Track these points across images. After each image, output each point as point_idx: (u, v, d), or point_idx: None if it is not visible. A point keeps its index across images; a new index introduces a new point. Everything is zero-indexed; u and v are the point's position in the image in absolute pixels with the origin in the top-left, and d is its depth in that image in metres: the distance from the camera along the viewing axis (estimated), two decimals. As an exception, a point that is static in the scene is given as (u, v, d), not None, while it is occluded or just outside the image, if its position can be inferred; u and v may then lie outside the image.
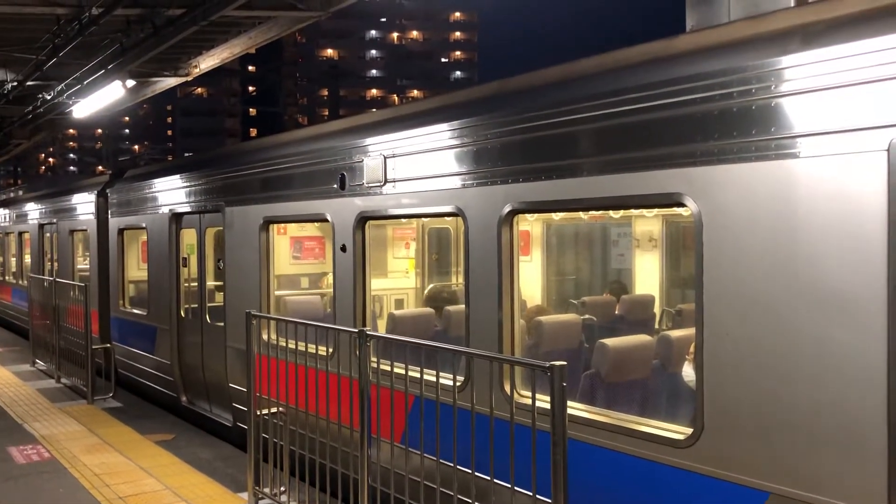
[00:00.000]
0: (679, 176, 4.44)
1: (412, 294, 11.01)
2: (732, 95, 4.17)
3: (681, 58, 4.63)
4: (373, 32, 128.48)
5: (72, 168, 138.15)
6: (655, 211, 7.64)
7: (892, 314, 3.55)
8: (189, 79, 14.10)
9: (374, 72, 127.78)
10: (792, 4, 4.67)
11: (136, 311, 12.70)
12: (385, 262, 11.12)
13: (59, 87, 13.45)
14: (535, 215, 8.24)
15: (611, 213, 7.58)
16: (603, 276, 9.70)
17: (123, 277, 13.28)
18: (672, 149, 4.47)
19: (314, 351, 6.30)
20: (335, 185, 7.44)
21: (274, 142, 9.44)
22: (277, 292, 9.35)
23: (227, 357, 9.50)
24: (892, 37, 3.57)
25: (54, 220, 17.08)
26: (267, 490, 6.72)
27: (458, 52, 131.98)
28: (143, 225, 12.07)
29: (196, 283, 10.64)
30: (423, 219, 10.04)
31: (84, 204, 14.95)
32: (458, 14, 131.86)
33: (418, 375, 5.20)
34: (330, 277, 7.97)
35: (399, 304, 10.98)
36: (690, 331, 5.02)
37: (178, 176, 11.02)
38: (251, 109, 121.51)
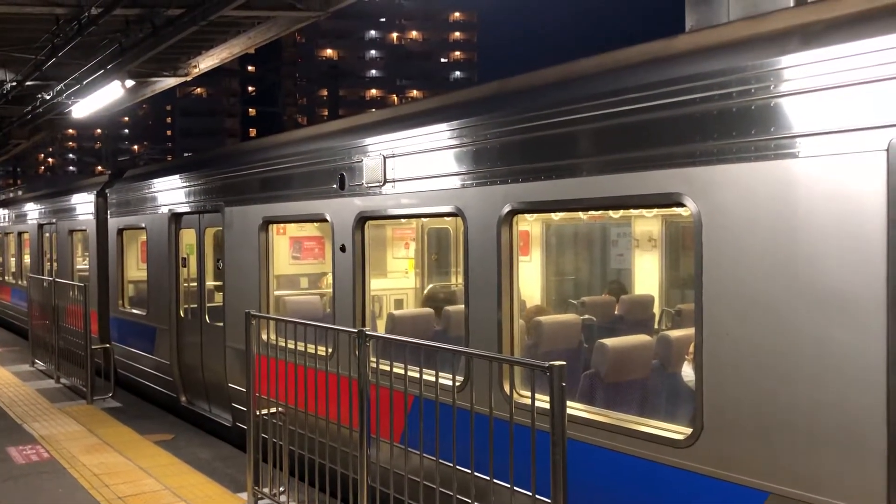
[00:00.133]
0: (678, 176, 4.44)
1: (412, 294, 11.01)
2: (732, 95, 4.17)
3: (680, 58, 4.63)
4: (372, 32, 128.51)
5: (71, 168, 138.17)
6: (655, 211, 7.64)
7: (892, 314, 3.55)
8: (188, 79, 14.09)
9: (373, 72, 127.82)
10: (791, 4, 4.67)
11: (135, 311, 12.69)
12: (384, 263, 11.12)
13: (59, 87, 13.44)
14: (535, 215, 8.24)
15: (610, 213, 7.58)
16: (602, 276, 9.70)
17: (123, 277, 13.28)
18: (671, 149, 4.47)
19: (313, 351, 6.30)
20: (334, 186, 7.44)
21: (273, 142, 9.44)
22: (277, 292, 9.35)
23: (227, 357, 9.49)
24: (892, 37, 3.57)
25: (53, 220, 17.08)
26: (266, 490, 6.72)
27: (457, 53, 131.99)
28: (143, 225, 12.07)
29: (195, 284, 10.64)
30: (423, 219, 10.04)
31: (83, 204, 14.95)
32: (457, 14, 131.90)
33: (418, 375, 5.20)
34: (329, 277, 7.97)
35: (398, 304, 10.98)
36: (690, 331, 5.02)
37: (177, 176, 11.02)
38: (250, 109, 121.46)
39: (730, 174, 4.19)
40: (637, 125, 4.69)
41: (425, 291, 10.76)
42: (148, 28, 10.01)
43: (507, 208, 5.56)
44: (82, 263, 16.02)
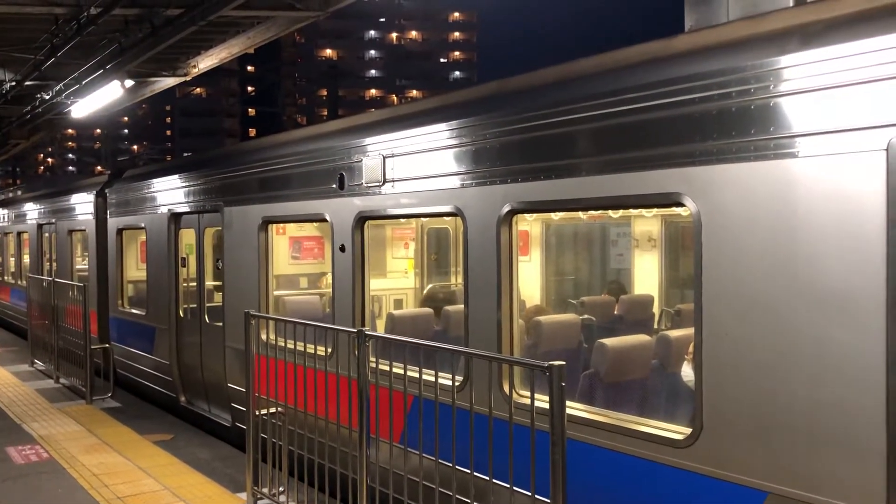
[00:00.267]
0: (678, 176, 4.44)
1: (411, 294, 11.00)
2: (731, 95, 4.17)
3: (679, 58, 4.63)
4: (372, 32, 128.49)
5: (70, 168, 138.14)
6: (654, 211, 7.64)
7: (891, 314, 3.55)
8: (188, 79, 14.08)
9: (373, 72, 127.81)
10: (790, 4, 4.67)
11: (134, 311, 12.69)
12: (384, 262, 11.12)
13: (58, 87, 13.43)
14: (534, 215, 8.24)
15: (610, 212, 7.58)
16: (602, 276, 9.70)
17: (122, 277, 13.27)
18: (671, 149, 4.47)
19: (313, 351, 6.30)
20: (334, 185, 7.43)
21: (273, 142, 9.44)
22: (276, 292, 9.35)
23: (226, 357, 9.49)
24: (891, 36, 3.57)
25: (53, 220, 17.08)
26: (265, 490, 6.72)
27: (457, 53, 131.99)
28: (142, 225, 12.07)
29: (195, 283, 10.63)
30: (422, 219, 10.04)
31: (83, 204, 14.94)
32: (457, 14, 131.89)
33: (417, 375, 5.20)
34: (329, 277, 7.96)
35: (398, 304, 10.98)
36: (689, 331, 5.02)
37: (176, 176, 11.02)
38: (250, 109, 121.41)
39: (729, 174, 4.19)
40: (636, 125, 4.68)
41: (425, 291, 10.76)
42: (147, 28, 10.00)
43: (506, 208, 5.56)
44: (82, 263, 16.02)
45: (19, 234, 20.72)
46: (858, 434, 3.66)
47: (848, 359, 3.70)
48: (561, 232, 9.65)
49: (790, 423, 3.91)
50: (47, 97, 14.18)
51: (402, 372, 5.34)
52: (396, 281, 11.15)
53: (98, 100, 13.02)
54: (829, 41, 3.83)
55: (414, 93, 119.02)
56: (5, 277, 22.23)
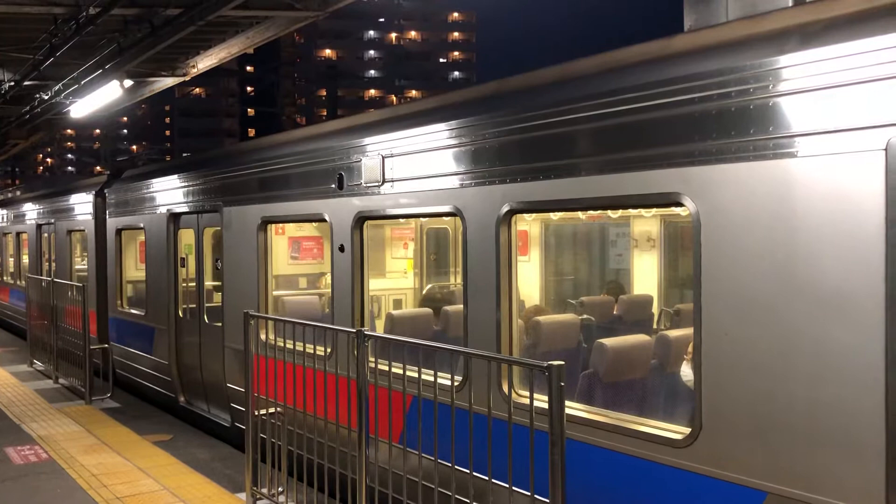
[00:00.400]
0: (677, 175, 4.44)
1: (410, 294, 11.00)
2: (730, 95, 4.17)
3: (679, 57, 4.63)
4: (371, 33, 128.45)
5: (70, 168, 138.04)
6: (654, 211, 7.64)
7: (890, 313, 3.55)
8: (187, 79, 14.07)
9: (372, 72, 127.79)
10: (789, 4, 4.67)
11: (133, 311, 12.69)
12: (383, 263, 11.12)
13: (57, 87, 13.42)
14: (534, 215, 8.24)
15: (609, 212, 7.58)
16: (601, 276, 9.70)
17: (121, 278, 13.27)
18: (670, 148, 4.47)
19: (312, 351, 6.29)
20: (333, 185, 7.43)
21: (272, 142, 9.44)
22: (275, 292, 9.35)
23: (225, 357, 9.49)
24: (890, 36, 3.58)
25: (52, 221, 17.07)
26: (265, 490, 6.72)
27: (456, 53, 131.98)
28: (141, 225, 12.06)
29: (194, 284, 10.63)
30: (422, 219, 10.04)
31: (82, 204, 14.94)
32: (456, 14, 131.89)
33: (416, 375, 5.20)
34: (328, 277, 7.96)
35: (397, 304, 10.98)
36: (689, 331, 5.02)
37: (175, 176, 11.02)
38: (249, 110, 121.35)
39: (728, 174, 4.19)
40: (636, 125, 4.68)
41: (424, 291, 10.76)
42: (146, 28, 10.00)
43: (505, 208, 5.56)
44: (81, 263, 16.02)
45: (18, 234, 20.71)
46: (858, 434, 3.66)
47: (847, 358, 3.70)
48: (560, 232, 9.65)
49: (789, 422, 3.91)
50: (46, 97, 14.17)
51: (401, 372, 5.34)
52: (396, 281, 11.16)
53: (97, 100, 13.01)
54: (828, 41, 3.83)
55: (413, 93, 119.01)
56: (4, 278, 22.22)
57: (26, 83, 13.45)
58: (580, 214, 7.76)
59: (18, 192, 23.64)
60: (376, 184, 6.86)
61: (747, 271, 4.10)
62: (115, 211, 13.27)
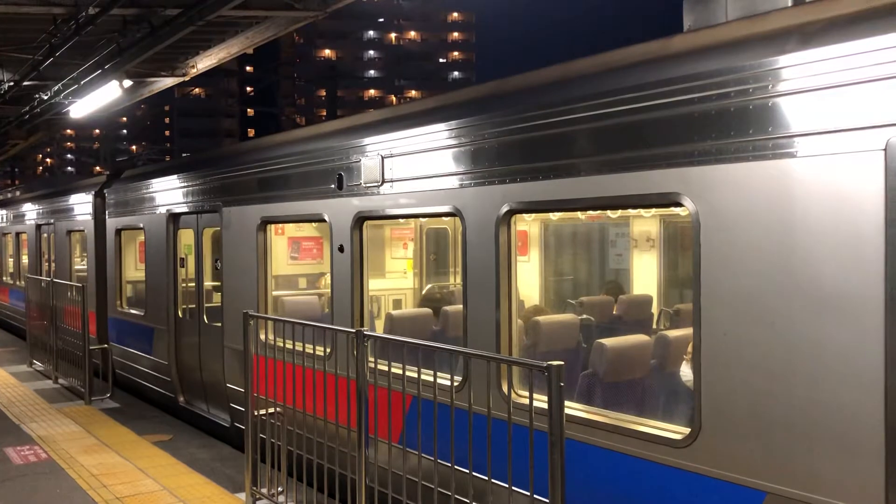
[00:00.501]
0: (676, 176, 4.44)
1: (410, 294, 11.00)
2: (730, 95, 4.17)
3: (678, 57, 4.63)
4: (370, 33, 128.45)
5: (69, 168, 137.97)
6: (653, 211, 7.64)
7: (890, 314, 3.55)
8: (186, 79, 14.05)
9: (371, 72, 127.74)
10: (789, 4, 4.67)
11: (133, 311, 12.68)
12: (383, 263, 11.12)
13: (56, 88, 13.40)
14: (533, 215, 8.24)
15: (608, 213, 7.58)
16: (601, 276, 9.70)
17: (121, 278, 13.26)
18: (669, 148, 4.47)
19: (312, 351, 6.29)
20: (332, 186, 7.43)
21: (271, 142, 9.44)
22: (275, 292, 9.34)
23: (225, 357, 9.49)
24: (889, 36, 3.58)
25: (51, 221, 17.07)
26: (264, 490, 6.72)
27: (455, 53, 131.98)
28: (141, 225, 12.06)
29: (193, 284, 10.63)
30: (421, 219, 10.04)
31: (81, 204, 14.94)
32: (455, 14, 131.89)
33: (416, 376, 5.20)
34: (327, 278, 7.96)
35: (397, 304, 10.98)
36: (688, 331, 5.02)
37: (175, 176, 11.01)
38: (249, 110, 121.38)
39: (728, 174, 4.19)
40: (635, 125, 4.69)
41: (423, 292, 10.76)
42: (145, 28, 9.98)
43: (505, 208, 5.56)
44: (80, 264, 16.01)
45: (18, 234, 20.70)
46: (857, 434, 3.66)
47: (846, 358, 3.70)
48: (560, 232, 9.66)
49: (789, 422, 3.91)
50: (46, 97, 14.15)
51: (400, 372, 5.34)
52: (395, 281, 11.16)
53: (96, 100, 13.00)
54: (828, 41, 3.83)
55: (413, 93, 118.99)
56: (4, 278, 22.21)
57: (26, 83, 13.43)
58: (580, 214, 7.77)
59: (18, 193, 23.63)
60: (376, 184, 6.86)
61: (747, 271, 4.11)
62: (115, 211, 13.27)
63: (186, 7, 9.22)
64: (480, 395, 4.83)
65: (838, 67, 3.75)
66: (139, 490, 7.46)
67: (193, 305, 10.64)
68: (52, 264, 17.13)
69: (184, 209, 10.66)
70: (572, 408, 5.08)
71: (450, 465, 4.94)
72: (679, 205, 4.49)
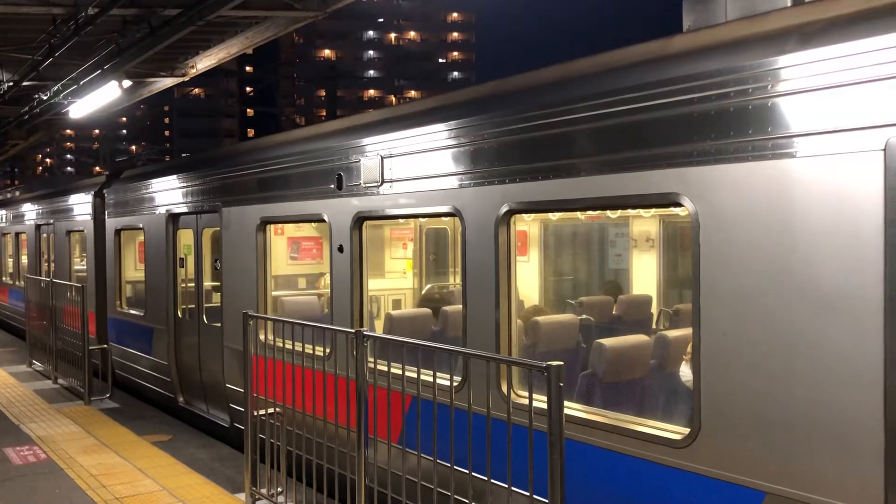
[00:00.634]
0: (676, 176, 4.44)
1: (409, 294, 11.00)
2: (729, 95, 4.17)
3: (678, 58, 4.63)
4: (370, 33, 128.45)
5: (69, 168, 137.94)
6: (653, 211, 7.64)
7: (889, 314, 3.55)
8: (186, 79, 14.05)
9: (371, 72, 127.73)
10: (788, 4, 4.67)
11: (133, 311, 12.68)
12: (382, 263, 11.12)
13: (56, 88, 13.40)
14: (533, 215, 8.24)
15: (608, 213, 7.58)
16: (600, 276, 9.70)
17: (120, 278, 13.26)
18: (669, 149, 4.47)
19: (311, 351, 6.29)
20: (332, 186, 7.43)
21: (271, 142, 9.44)
22: (274, 293, 9.34)
23: (224, 358, 9.49)
24: (889, 37, 3.58)
25: (51, 221, 17.06)
26: (264, 491, 6.72)
27: (455, 53, 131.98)
28: (140, 225, 12.06)
29: (193, 284, 10.63)
30: (421, 219, 10.04)
31: (81, 204, 14.93)
32: (455, 15, 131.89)
33: (415, 376, 5.19)
34: (327, 278, 7.96)
35: (396, 304, 10.98)
36: (687, 331, 5.02)
37: (175, 176, 11.01)
38: (248, 110, 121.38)
39: (727, 174, 4.19)
40: (634, 125, 4.68)
41: (423, 292, 10.76)
42: (145, 28, 9.98)
43: (504, 208, 5.55)
44: (80, 264, 16.01)
45: (17, 234, 20.70)
46: (857, 434, 3.66)
47: (846, 358, 3.70)
48: (559, 232, 9.66)
49: (788, 422, 3.91)
50: (45, 97, 14.15)
51: (400, 372, 5.33)
52: (395, 281, 11.16)
53: (96, 100, 13.00)
54: (827, 41, 3.83)
55: (412, 93, 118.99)
56: (4, 278, 22.21)
57: (25, 83, 13.44)
58: (579, 215, 7.77)
59: (17, 193, 23.63)
60: (375, 184, 6.86)
61: (746, 271, 4.10)
62: (114, 211, 13.27)
63: (186, 7, 9.22)
64: (480, 396, 4.83)
65: (838, 68, 3.75)
66: (139, 490, 7.46)
67: (193, 306, 10.63)
68: (52, 264, 17.13)
69: (183, 209, 10.66)
70: (572, 408, 5.08)
71: (449, 465, 4.94)
72: (678, 205, 4.49)
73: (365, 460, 5.63)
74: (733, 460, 4.14)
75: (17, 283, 20.32)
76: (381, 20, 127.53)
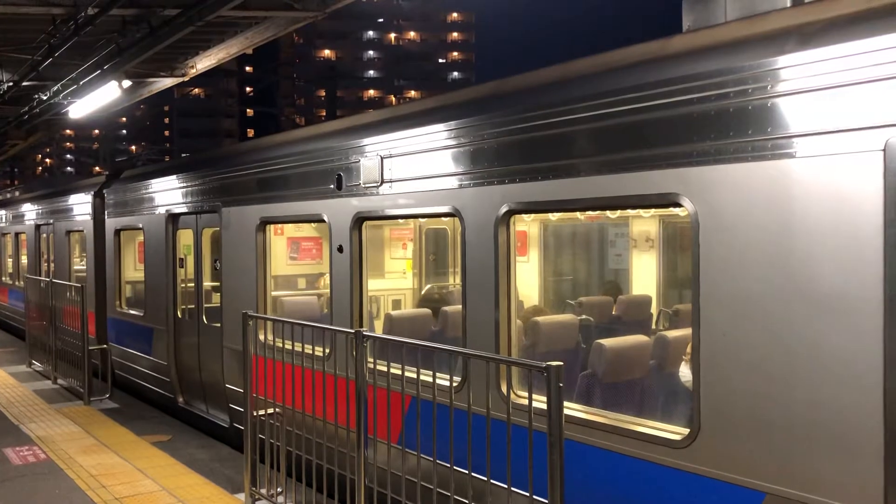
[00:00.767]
0: (675, 176, 4.44)
1: (409, 295, 11.00)
2: (729, 95, 4.17)
3: (677, 58, 4.63)
4: (370, 33, 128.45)
5: (69, 169, 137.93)
6: (652, 211, 7.64)
7: (889, 314, 3.55)
8: (186, 79, 14.05)
9: (371, 72, 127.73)
10: (788, 5, 4.67)
11: (132, 311, 12.68)
12: (382, 263, 11.12)
13: (56, 88, 13.40)
14: (532, 216, 8.24)
15: (608, 213, 7.58)
16: (600, 276, 9.71)
17: (120, 278, 13.26)
18: (668, 149, 4.47)
19: (311, 352, 6.29)
20: (332, 186, 7.43)
21: (271, 142, 9.44)
22: (274, 293, 9.34)
23: (224, 358, 9.48)
24: (888, 37, 3.58)
25: (51, 221, 17.06)
26: (263, 491, 6.71)
27: (455, 53, 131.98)
28: (140, 225, 12.06)
29: (193, 284, 10.63)
30: (420, 219, 10.04)
31: (81, 204, 14.93)
32: (455, 15, 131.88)
33: (415, 376, 5.19)
34: (327, 278, 7.96)
35: (396, 304, 10.98)
36: (687, 331, 5.02)
37: (174, 176, 11.01)
38: (248, 110, 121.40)
39: (727, 174, 4.19)
40: (634, 125, 4.68)
41: (423, 292, 10.76)
42: (145, 28, 9.98)
43: (504, 208, 5.55)
44: (79, 264, 16.01)
45: (17, 234, 20.70)
46: (856, 434, 3.66)
47: (845, 359, 3.70)
48: (559, 232, 9.66)
49: (788, 423, 3.91)
50: (45, 98, 14.15)
51: (399, 372, 5.33)
52: (394, 281, 11.16)
53: (96, 100, 13.00)
54: (827, 41, 3.83)
55: (412, 93, 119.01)
56: (3, 278, 22.21)
57: (25, 84, 13.44)
58: (579, 215, 7.77)
59: (17, 193, 23.63)
60: (375, 184, 6.86)
61: (746, 272, 4.10)
62: (114, 211, 13.27)
63: (186, 7, 9.22)
64: (479, 396, 4.83)
65: (837, 68, 3.75)
66: (138, 490, 7.46)
67: (192, 306, 10.63)
68: (52, 264, 17.12)
69: (183, 209, 10.66)
70: (571, 408, 5.08)
71: (449, 465, 4.94)
72: (678, 205, 4.49)
73: (365, 460, 5.63)
74: (733, 461, 4.14)
75: (16, 283, 20.32)
76: (380, 20, 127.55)
